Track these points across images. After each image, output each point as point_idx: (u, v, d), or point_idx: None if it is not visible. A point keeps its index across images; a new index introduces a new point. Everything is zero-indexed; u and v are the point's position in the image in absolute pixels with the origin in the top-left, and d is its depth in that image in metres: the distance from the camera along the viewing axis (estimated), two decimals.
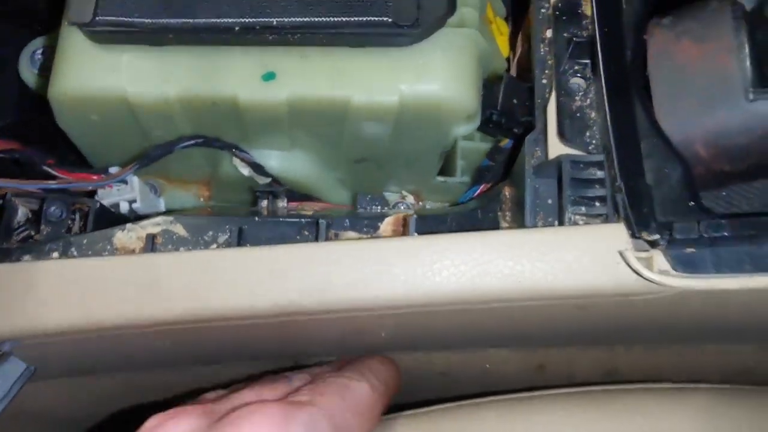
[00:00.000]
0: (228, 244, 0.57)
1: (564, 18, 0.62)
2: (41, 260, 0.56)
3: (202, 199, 0.80)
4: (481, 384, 0.79)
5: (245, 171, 0.69)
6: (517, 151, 0.74)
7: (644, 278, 0.49)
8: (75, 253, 0.58)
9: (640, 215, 0.50)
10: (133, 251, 0.57)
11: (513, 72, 0.79)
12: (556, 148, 0.58)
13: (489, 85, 0.66)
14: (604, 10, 0.58)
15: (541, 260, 0.51)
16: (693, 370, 0.77)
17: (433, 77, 0.61)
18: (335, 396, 0.52)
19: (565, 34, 0.61)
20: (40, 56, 0.80)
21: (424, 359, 0.74)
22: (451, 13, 0.62)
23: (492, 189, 0.72)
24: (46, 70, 0.78)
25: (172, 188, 0.79)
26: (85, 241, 0.58)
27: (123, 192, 0.69)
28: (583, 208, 0.55)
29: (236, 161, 0.68)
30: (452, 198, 0.79)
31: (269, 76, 0.61)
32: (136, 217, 0.70)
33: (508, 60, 0.80)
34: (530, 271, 0.51)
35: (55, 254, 0.58)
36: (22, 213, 0.66)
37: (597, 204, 0.55)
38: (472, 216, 0.64)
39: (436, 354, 0.73)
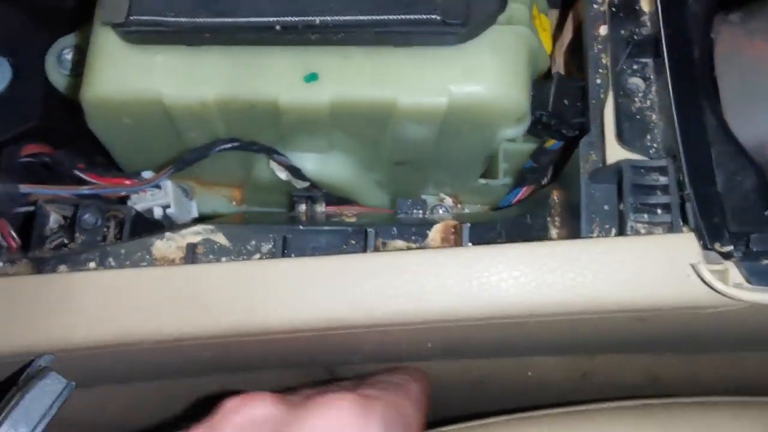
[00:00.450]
0: (272, 254, 0.54)
1: (621, 15, 0.59)
2: (78, 271, 0.54)
3: (234, 203, 0.77)
4: (521, 392, 0.76)
5: (282, 175, 0.66)
6: (567, 153, 0.72)
7: (717, 291, 0.46)
8: (113, 263, 0.55)
9: (712, 225, 0.48)
10: (173, 261, 0.55)
11: (558, 67, 0.76)
12: (614, 152, 0.56)
13: (538, 84, 0.63)
14: (668, 6, 0.55)
15: (605, 271, 0.49)
16: (742, 377, 0.74)
17: (483, 78, 0.58)
18: (399, 391, 0.54)
19: (622, 32, 0.58)
20: (67, 56, 0.78)
21: (460, 367, 0.71)
22: (502, 10, 0.59)
23: (536, 192, 0.69)
24: (73, 70, 0.76)
25: (203, 191, 0.76)
26: (122, 251, 0.56)
27: (156, 197, 0.67)
28: (646, 216, 0.52)
29: (273, 165, 0.66)
30: (492, 200, 0.76)
31: (311, 77, 0.58)
32: (171, 224, 0.68)
33: (551, 57, 0.77)
34: (593, 282, 0.49)
35: (92, 264, 0.55)
36: (54, 219, 0.64)
37: (660, 212, 0.53)
38: (521, 222, 0.62)
39: (474, 362, 0.71)
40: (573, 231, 0.57)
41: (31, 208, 0.63)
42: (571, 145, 0.69)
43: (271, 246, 0.55)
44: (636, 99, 0.57)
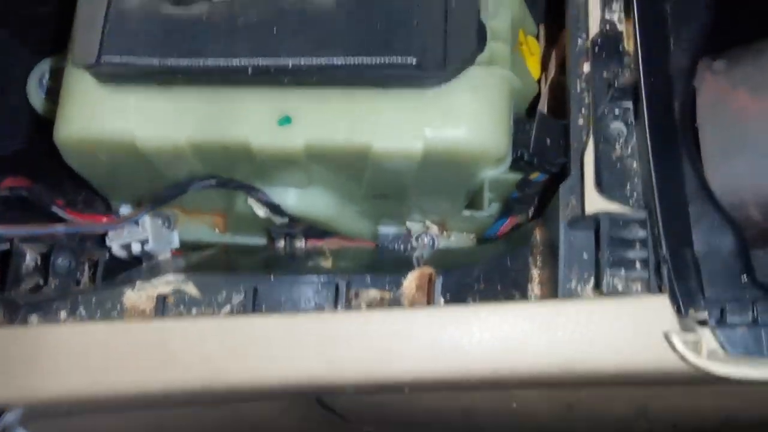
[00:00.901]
0: (242, 307, 0.54)
1: (603, 54, 0.57)
2: (48, 323, 0.53)
3: (217, 230, 0.76)
4: (506, 425, 0.76)
5: (261, 212, 0.65)
6: (550, 188, 0.70)
7: (690, 362, 0.45)
8: (83, 313, 0.55)
9: (688, 290, 0.46)
10: (143, 312, 0.54)
11: (544, 96, 0.75)
12: (593, 200, 0.54)
13: (520, 122, 0.62)
14: (648, 50, 0.53)
15: (577, 337, 0.48)
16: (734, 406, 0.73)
17: (461, 121, 0.56)
18: None
19: (605, 74, 0.57)
20: (47, 80, 0.77)
21: (441, 397, 0.71)
22: (480, 51, 0.57)
23: (522, 227, 0.68)
24: (54, 94, 0.75)
25: (186, 218, 0.76)
26: (93, 299, 0.56)
27: (134, 233, 0.66)
28: (623, 271, 0.51)
29: (251, 202, 0.65)
30: (479, 228, 0.75)
31: (285, 121, 0.57)
32: (149, 258, 0.67)
33: (539, 82, 0.75)
34: (565, 347, 0.48)
35: (63, 313, 0.55)
36: (30, 258, 0.64)
37: (638, 266, 0.51)
38: (502, 265, 0.61)
39: (455, 393, 0.70)
40: (552, 275, 0.56)
41: (7, 246, 0.63)
42: (556, 177, 0.68)
43: (241, 297, 0.54)
44: (617, 146, 0.55)
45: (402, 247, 0.69)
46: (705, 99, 0.51)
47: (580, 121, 0.58)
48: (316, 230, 0.69)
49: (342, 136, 0.57)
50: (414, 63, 0.55)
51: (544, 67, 0.76)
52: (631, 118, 0.55)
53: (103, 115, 0.59)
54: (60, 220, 0.66)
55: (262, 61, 0.56)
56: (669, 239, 0.48)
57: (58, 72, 0.75)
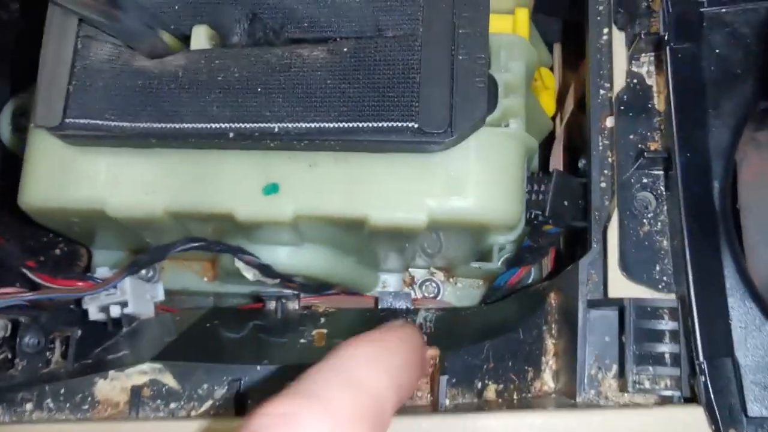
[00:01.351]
0: (225, 402, 0.48)
1: (630, 114, 0.50)
2: (13, 423, 0.48)
3: (206, 279, 0.71)
4: None
5: (250, 275, 0.59)
6: (569, 246, 0.65)
7: None
8: (51, 405, 0.50)
9: (728, 405, 0.41)
10: (117, 405, 0.49)
11: (559, 138, 0.68)
12: (617, 283, 0.48)
13: (534, 179, 0.56)
14: (684, 115, 0.46)
15: None
16: None
17: (469, 190, 0.50)
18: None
19: (632, 136, 0.50)
20: (20, 118, 0.71)
21: None
22: (491, 111, 0.51)
23: (534, 289, 0.62)
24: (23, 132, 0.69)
25: (173, 265, 0.70)
26: (63, 390, 0.50)
27: (113, 295, 0.60)
28: (651, 369, 0.46)
29: (240, 264, 0.59)
30: (487, 275, 0.69)
31: (272, 189, 0.51)
32: (130, 321, 0.62)
33: (554, 117, 0.69)
34: None
35: (29, 405, 0.50)
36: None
37: (668, 361, 0.46)
38: (513, 338, 0.55)
39: None
40: (569, 348, 0.51)
41: None
42: (570, 235, 0.62)
43: (224, 391, 0.49)
44: (645, 220, 0.49)
45: (404, 305, 0.63)
46: (748, 176, 0.44)
47: (603, 184, 0.52)
48: (310, 286, 0.64)
49: (335, 206, 0.51)
50: (416, 128, 0.48)
51: (560, 101, 0.70)
52: (661, 188, 0.49)
53: (70, 180, 0.53)
54: (29, 281, 0.60)
55: (245, 126, 0.49)
56: (705, 343, 0.42)
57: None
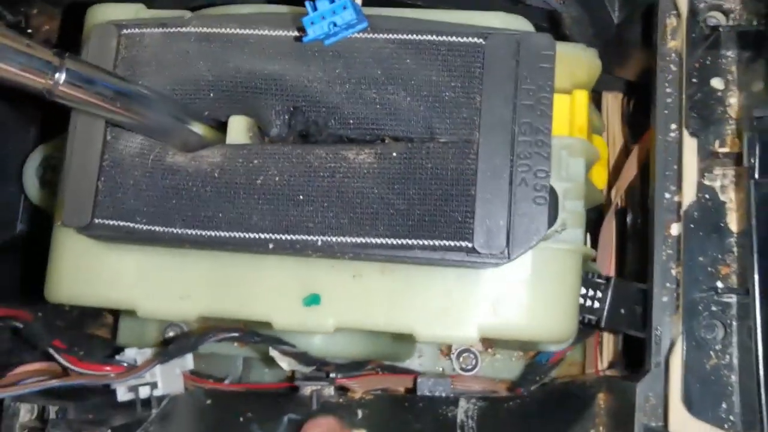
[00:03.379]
0: None
1: (700, 232, 0.47)
2: None
3: (235, 344, 0.68)
4: None
5: (285, 364, 0.57)
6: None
7: None
8: None
9: None
10: None
11: (614, 203, 0.64)
12: (679, 418, 0.45)
13: (589, 284, 0.52)
14: (765, 243, 0.43)
15: None
16: None
17: (521, 308, 0.47)
18: None
19: (701, 258, 0.46)
20: (43, 169, 0.68)
21: None
22: (550, 225, 0.47)
23: (581, 382, 0.59)
24: (51, 185, 0.67)
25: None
26: None
27: (142, 378, 0.58)
28: None
29: (274, 353, 0.57)
30: (527, 347, 0.66)
31: (312, 300, 0.48)
32: (159, 402, 0.60)
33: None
34: None
35: None
36: (25, 412, 0.57)
37: None
38: None
39: None
40: None
41: None
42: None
43: None
44: (712, 352, 0.46)
45: (443, 393, 0.60)
46: None
47: (665, 298, 0.49)
48: (346, 366, 0.61)
49: (380, 320, 0.48)
50: (470, 247, 0.45)
51: (615, 170, 0.65)
52: (733, 318, 0.46)
53: (98, 278, 0.50)
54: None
55: (286, 237, 0.46)
56: None
57: (54, 160, 0.67)
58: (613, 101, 0.71)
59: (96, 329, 0.71)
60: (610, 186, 0.66)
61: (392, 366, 0.65)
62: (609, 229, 0.64)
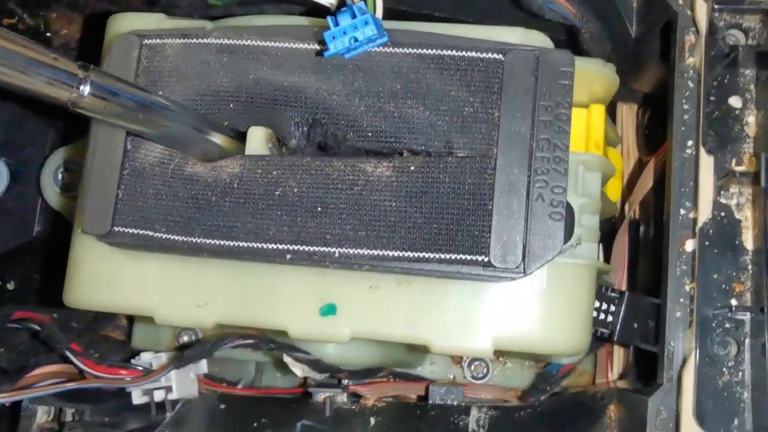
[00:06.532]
0: None
1: (715, 250, 0.47)
2: None
3: (249, 349, 0.69)
4: None
5: (298, 370, 0.58)
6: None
7: None
8: None
9: None
10: None
11: (627, 215, 0.65)
12: None
13: (603, 297, 0.53)
14: None
15: None
16: None
17: (536, 322, 0.48)
18: None
19: (716, 276, 0.47)
20: (61, 174, 0.69)
21: None
22: (566, 241, 0.47)
23: (592, 392, 0.59)
24: (69, 189, 0.67)
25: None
26: None
27: (158, 382, 0.59)
28: None
29: (288, 360, 0.57)
30: (539, 360, 0.67)
31: (329, 311, 0.49)
32: (173, 406, 0.61)
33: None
34: None
35: None
36: (42, 414, 0.58)
37: None
38: None
39: None
40: None
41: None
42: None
43: None
44: (725, 369, 0.46)
45: (455, 401, 0.61)
46: None
47: (678, 313, 0.49)
48: (359, 372, 0.62)
49: (395, 331, 0.49)
50: (486, 261, 0.45)
51: (630, 182, 0.66)
52: (746, 336, 0.46)
53: (116, 284, 0.51)
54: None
55: (304, 249, 0.47)
56: None
57: (73, 164, 0.67)
58: (627, 112, 0.71)
59: (110, 331, 0.71)
60: (624, 198, 0.66)
61: (405, 373, 0.65)
62: (622, 242, 0.64)
